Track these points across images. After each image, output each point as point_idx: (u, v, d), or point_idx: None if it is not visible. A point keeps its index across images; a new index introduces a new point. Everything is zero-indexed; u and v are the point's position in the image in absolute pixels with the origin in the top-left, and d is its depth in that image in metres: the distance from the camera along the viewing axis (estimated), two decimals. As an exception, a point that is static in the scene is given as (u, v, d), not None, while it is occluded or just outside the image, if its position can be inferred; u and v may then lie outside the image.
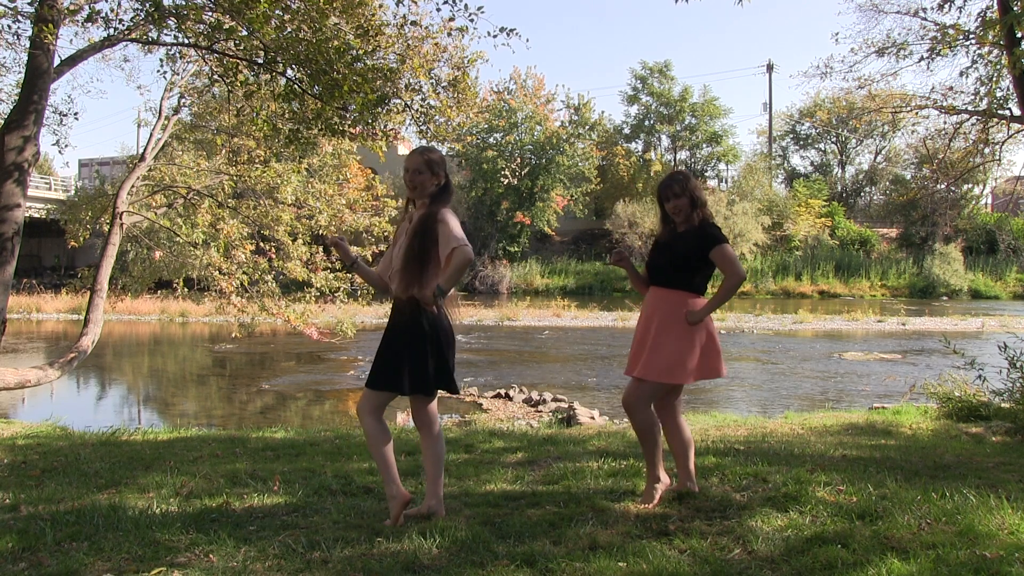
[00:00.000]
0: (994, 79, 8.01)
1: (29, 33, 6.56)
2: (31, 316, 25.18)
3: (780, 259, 37.63)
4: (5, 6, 6.71)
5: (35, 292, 28.65)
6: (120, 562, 2.77)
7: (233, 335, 12.83)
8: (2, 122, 6.69)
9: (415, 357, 3.21)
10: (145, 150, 10.79)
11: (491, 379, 12.67)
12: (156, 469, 4.47)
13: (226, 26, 6.27)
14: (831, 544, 2.85)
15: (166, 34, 6.77)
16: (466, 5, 6.54)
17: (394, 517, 3.22)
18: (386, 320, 3.41)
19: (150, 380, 14.60)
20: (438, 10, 6.64)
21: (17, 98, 6.65)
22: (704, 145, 42.73)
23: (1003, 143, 9.43)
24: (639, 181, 40.12)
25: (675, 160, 42.62)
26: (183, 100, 11.30)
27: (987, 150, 10.08)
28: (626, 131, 42.94)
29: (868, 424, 6.38)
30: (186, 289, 12.64)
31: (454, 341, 3.34)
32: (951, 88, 8.91)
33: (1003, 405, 6.34)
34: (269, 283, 11.26)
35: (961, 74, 8.24)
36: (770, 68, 44.96)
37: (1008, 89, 7.88)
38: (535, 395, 10.74)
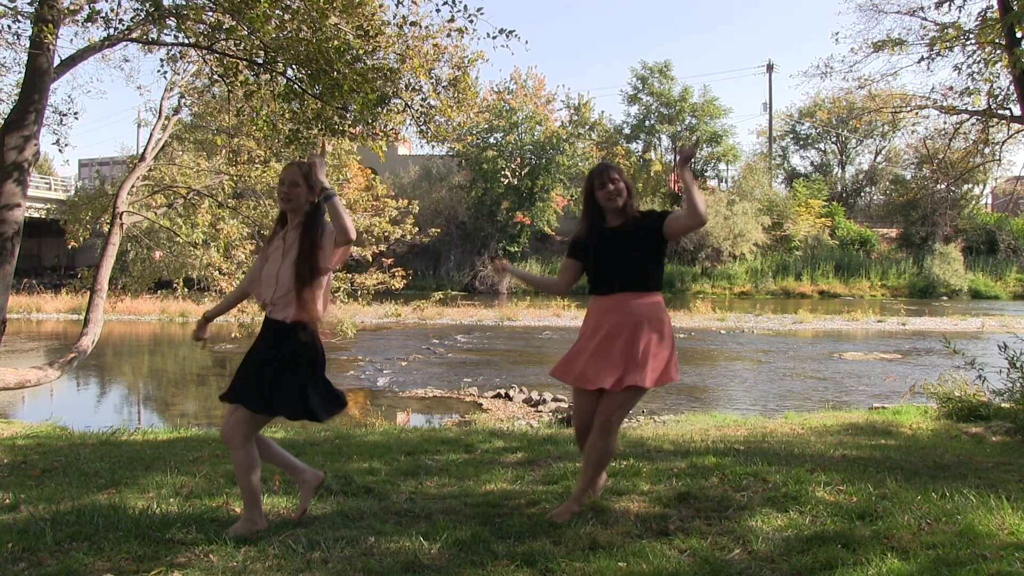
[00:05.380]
0: (986, 77, 8.02)
1: (29, 33, 6.55)
2: (31, 316, 25.17)
3: (780, 259, 37.61)
4: (5, 6, 6.71)
5: (35, 292, 28.61)
6: (120, 562, 2.77)
7: (233, 335, 12.83)
8: (2, 122, 6.69)
9: (295, 379, 3.11)
10: (145, 150, 10.79)
11: (491, 379, 12.67)
12: (156, 469, 4.47)
13: (226, 26, 6.27)
14: (831, 544, 2.85)
15: (166, 34, 6.77)
16: (465, 6, 6.54)
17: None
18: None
19: (150, 380, 14.61)
20: (438, 11, 6.63)
21: (17, 98, 6.65)
22: (704, 145, 42.69)
23: (1003, 143, 9.44)
24: (639, 181, 40.07)
25: (675, 160, 42.57)
26: (183, 100, 11.30)
27: (987, 150, 10.08)
28: (626, 131, 42.89)
29: (868, 424, 6.39)
30: (186, 289, 12.64)
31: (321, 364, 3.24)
32: (951, 88, 8.91)
33: (1003, 405, 6.35)
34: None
35: (955, 68, 8.26)
36: (770, 68, 44.94)
37: (1008, 89, 7.88)
38: (535, 395, 10.74)
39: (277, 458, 3.38)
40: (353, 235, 3.08)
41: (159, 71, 13.14)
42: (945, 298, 33.64)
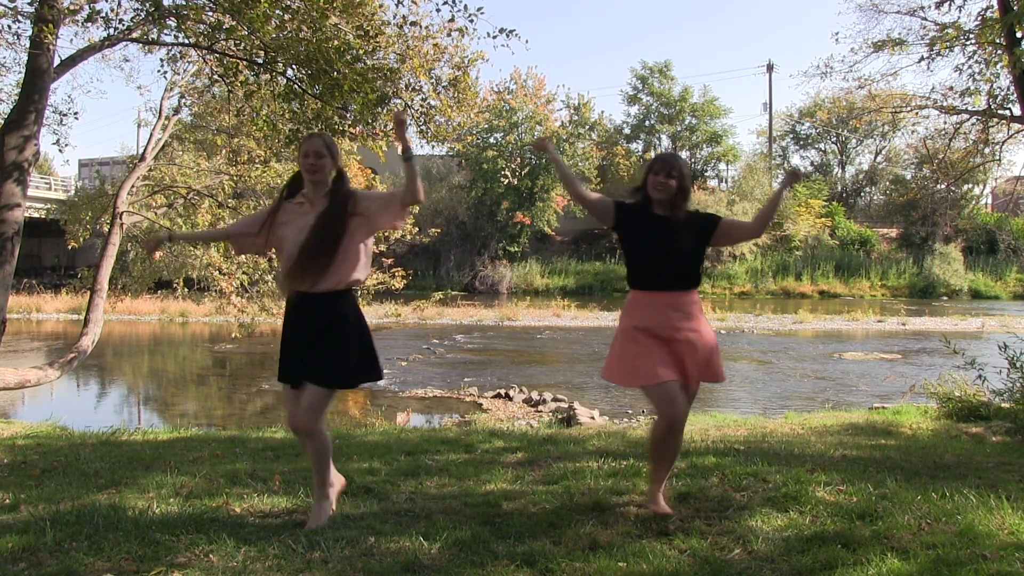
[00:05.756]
0: (987, 77, 8.03)
1: (29, 33, 6.56)
2: (31, 316, 25.17)
3: (780, 259, 37.60)
4: (5, 6, 6.71)
5: (35, 292, 28.60)
6: (120, 562, 2.77)
7: (233, 335, 12.84)
8: (2, 122, 6.69)
9: (329, 347, 3.17)
10: (145, 150, 10.79)
11: (491, 379, 12.67)
12: (156, 469, 4.47)
13: (226, 26, 6.27)
14: (831, 544, 2.85)
15: (166, 34, 6.78)
16: (466, 6, 6.55)
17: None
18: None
19: (150, 380, 14.60)
20: (438, 11, 6.64)
21: (17, 98, 6.65)
22: (704, 145, 42.68)
23: (1003, 143, 9.44)
24: (639, 181, 40.07)
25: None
26: (183, 100, 11.31)
27: (987, 150, 10.08)
28: (626, 131, 42.93)
29: (868, 424, 6.38)
30: (186, 289, 12.66)
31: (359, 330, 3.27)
32: (951, 88, 8.91)
33: (1003, 405, 6.34)
34: (269, 283, 11.28)
35: (956, 69, 8.26)
36: (770, 68, 44.91)
37: (1008, 89, 7.88)
38: (535, 395, 10.74)
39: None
40: (422, 196, 3.17)
41: (159, 71, 13.15)
42: (945, 298, 33.63)
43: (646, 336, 3.23)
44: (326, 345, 3.16)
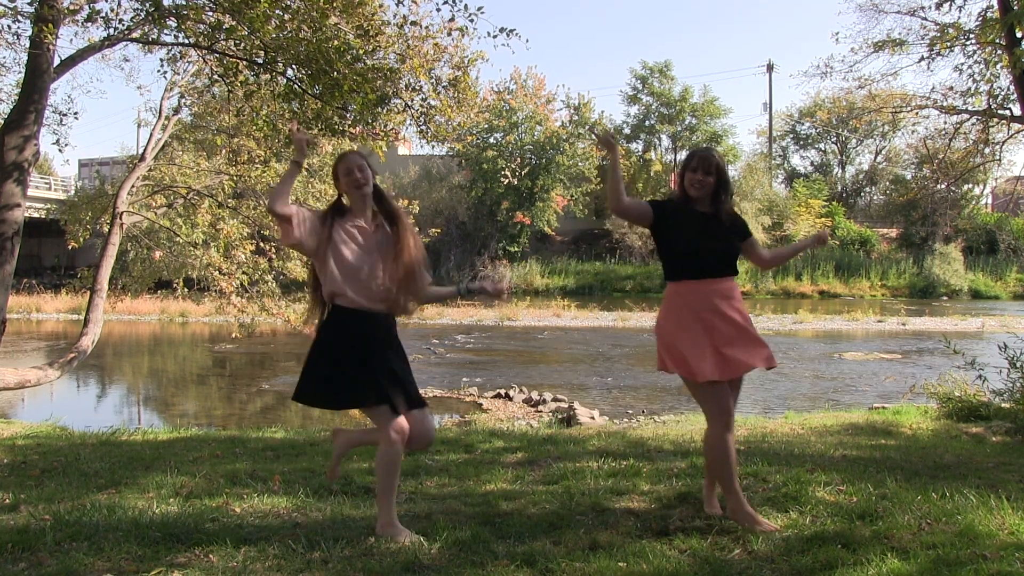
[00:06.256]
0: (987, 77, 8.03)
1: (29, 33, 6.56)
2: (31, 316, 25.18)
3: (780, 259, 37.55)
4: (5, 6, 6.71)
5: (35, 292, 28.62)
6: (120, 562, 2.77)
7: (233, 335, 12.83)
8: (2, 122, 6.70)
9: (405, 370, 3.13)
10: (145, 150, 10.80)
11: (491, 379, 12.67)
12: (156, 469, 4.47)
13: (226, 26, 6.27)
14: (831, 544, 2.85)
15: (166, 34, 6.78)
16: (466, 5, 6.54)
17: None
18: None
19: (150, 380, 14.61)
20: (438, 10, 6.64)
21: (17, 98, 6.66)
22: (704, 145, 42.69)
23: (1003, 143, 9.45)
24: (639, 181, 40.10)
25: (675, 160, 42.60)
26: (183, 100, 11.31)
27: (987, 150, 10.09)
28: (626, 131, 42.92)
29: (868, 424, 6.38)
30: (186, 289, 12.65)
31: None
32: (951, 88, 8.92)
33: (1003, 405, 6.34)
34: (269, 283, 11.28)
35: (955, 69, 8.27)
36: (770, 68, 44.93)
37: (1008, 89, 7.89)
38: (535, 395, 10.74)
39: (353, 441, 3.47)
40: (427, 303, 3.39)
41: (159, 71, 13.16)
42: (945, 298, 33.62)
43: (692, 323, 3.24)
44: (404, 363, 3.14)
